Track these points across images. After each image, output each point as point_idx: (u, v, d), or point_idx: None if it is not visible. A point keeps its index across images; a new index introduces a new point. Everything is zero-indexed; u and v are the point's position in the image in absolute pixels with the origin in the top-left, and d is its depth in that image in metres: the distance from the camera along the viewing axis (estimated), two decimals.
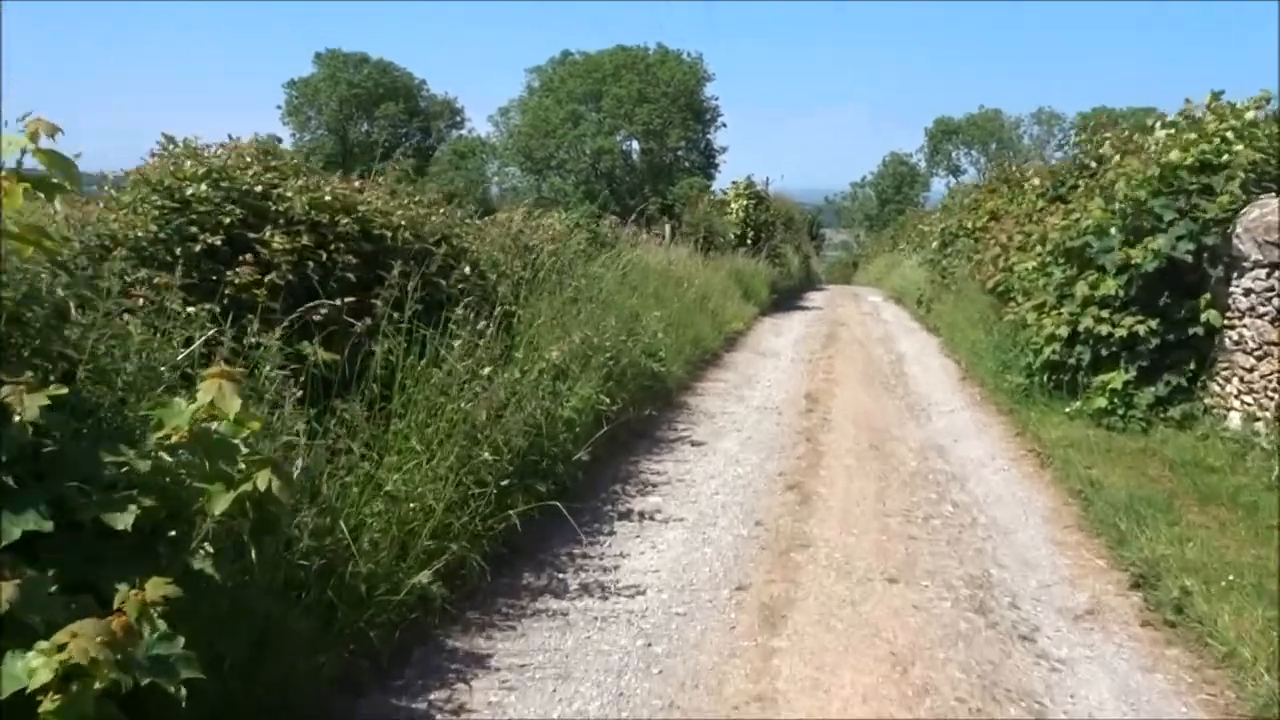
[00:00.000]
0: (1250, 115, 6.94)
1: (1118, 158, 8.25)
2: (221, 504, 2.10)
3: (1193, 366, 6.80)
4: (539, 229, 8.21)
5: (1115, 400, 6.91)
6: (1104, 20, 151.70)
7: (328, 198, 4.74)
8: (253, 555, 2.26)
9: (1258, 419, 6.04)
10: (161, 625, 1.98)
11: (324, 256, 4.51)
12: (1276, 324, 5.91)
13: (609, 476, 5.93)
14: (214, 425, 2.24)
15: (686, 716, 3.18)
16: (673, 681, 3.41)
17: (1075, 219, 7.96)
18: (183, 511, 2.16)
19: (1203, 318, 6.61)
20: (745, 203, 19.62)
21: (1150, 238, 6.84)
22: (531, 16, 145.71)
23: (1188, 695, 3.42)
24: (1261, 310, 6.08)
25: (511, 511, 4.22)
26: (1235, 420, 6.29)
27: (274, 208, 4.51)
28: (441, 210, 6.24)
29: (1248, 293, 6.25)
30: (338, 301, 3.94)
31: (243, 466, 2.20)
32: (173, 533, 2.16)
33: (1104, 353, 7.10)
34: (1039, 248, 8.63)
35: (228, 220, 4.25)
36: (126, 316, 3.13)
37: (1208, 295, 6.63)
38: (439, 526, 3.81)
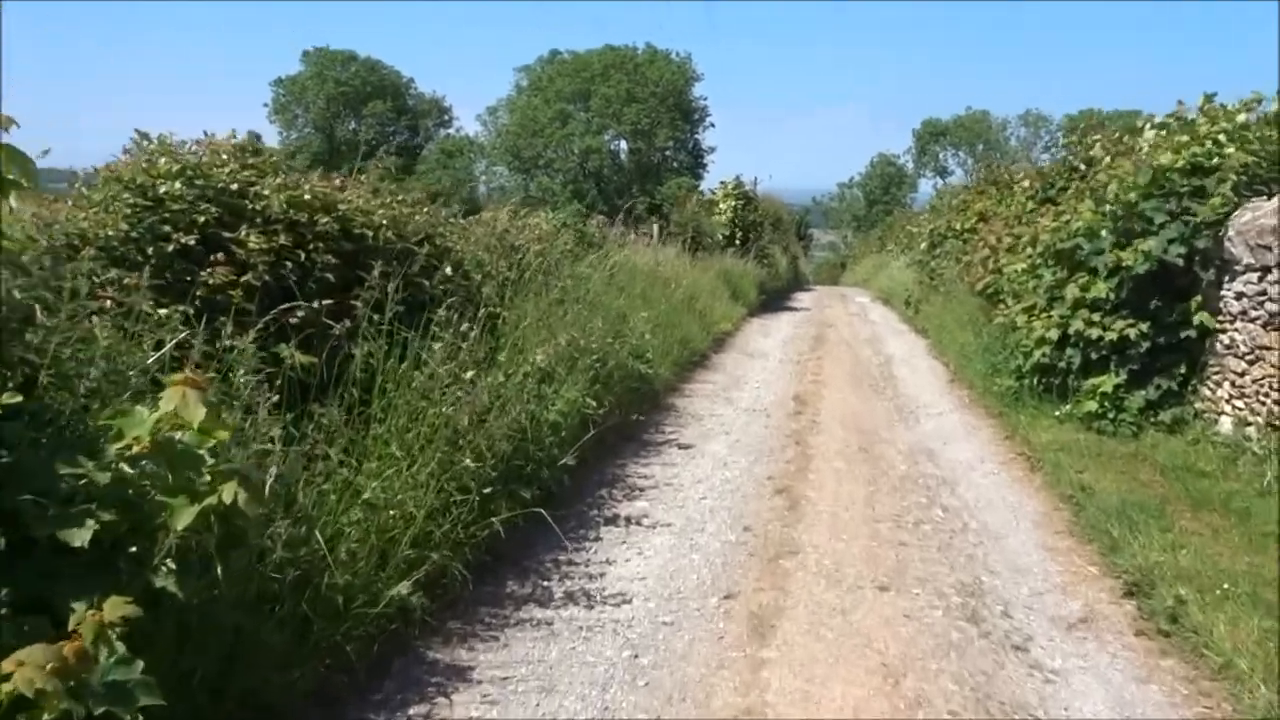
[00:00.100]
0: (1242, 118, 6.91)
1: (1108, 159, 8.22)
2: (185, 518, 1.99)
3: (1183, 370, 6.76)
4: (525, 229, 8.10)
5: (1106, 404, 6.87)
6: (1093, 22, 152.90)
7: (306, 196, 4.62)
8: (219, 571, 2.14)
9: (1249, 424, 6.00)
10: (120, 648, 1.87)
11: (302, 256, 4.39)
12: (1268, 328, 5.87)
13: (595, 481, 5.83)
14: (179, 435, 2.13)
15: None
16: (659, 694, 3.32)
17: (1066, 220, 7.92)
18: (144, 526, 2.05)
19: (1195, 320, 6.57)
20: (734, 203, 19.56)
21: (1140, 240, 6.81)
22: (521, 16, 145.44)
23: (1184, 708, 3.35)
24: (1254, 314, 6.04)
25: (495, 519, 4.12)
26: (1226, 425, 6.26)
27: (251, 206, 4.39)
28: (425, 209, 6.12)
29: (1239, 296, 6.21)
30: (315, 304, 3.82)
31: (208, 478, 2.09)
32: (134, 548, 2.05)
33: (1094, 356, 7.07)
34: (1029, 250, 8.59)
35: (202, 219, 4.12)
36: (95, 319, 3.02)
37: (1199, 298, 6.60)
38: (420, 535, 3.70)
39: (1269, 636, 3.57)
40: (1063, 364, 7.31)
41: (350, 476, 3.60)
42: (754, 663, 3.55)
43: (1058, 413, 7.20)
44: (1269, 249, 5.88)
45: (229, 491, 2.02)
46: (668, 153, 46.90)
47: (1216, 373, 6.50)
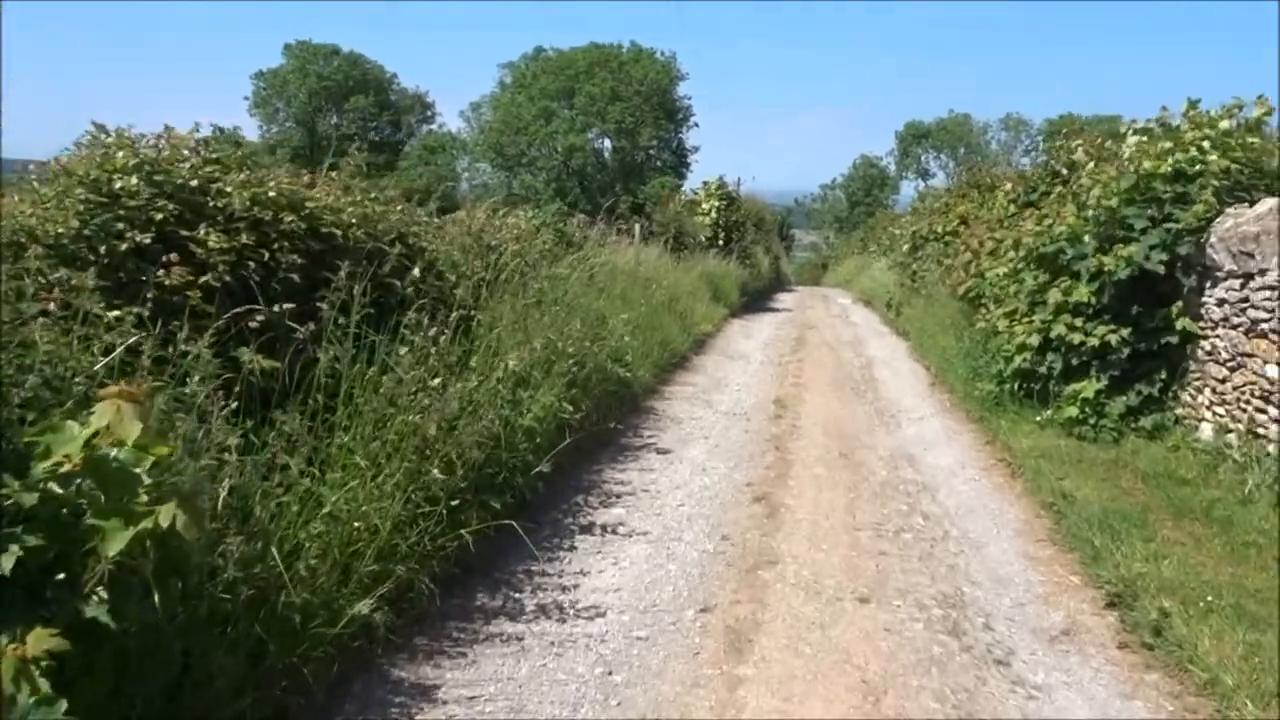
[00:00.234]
0: (1224, 124, 6.88)
1: (1091, 164, 8.18)
2: (117, 543, 1.85)
3: (1164, 376, 6.73)
4: (502, 228, 7.95)
5: (1086, 410, 6.82)
6: (1072, 26, 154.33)
7: (271, 193, 4.45)
8: (156, 599, 2.00)
9: (1230, 430, 5.96)
10: (43, 685, 1.73)
11: (266, 256, 4.22)
12: (1250, 335, 5.83)
13: (571, 487, 5.71)
14: (114, 452, 1.99)
15: None
16: (632, 714, 3.21)
17: (1048, 225, 7.87)
18: (74, 551, 1.91)
19: (1177, 326, 6.53)
20: (717, 203, 19.49)
21: (1122, 245, 6.76)
22: (506, 13, 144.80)
23: None
24: (1235, 321, 6.00)
25: (464, 531, 3.98)
26: (1207, 431, 6.22)
27: (212, 204, 4.22)
28: (399, 208, 5.97)
29: (1221, 303, 6.17)
30: (278, 306, 3.66)
31: (145, 499, 1.95)
32: (62, 575, 1.91)
33: (1075, 361, 7.02)
34: (1010, 254, 8.54)
35: (159, 216, 3.95)
36: (36, 322, 2.86)
37: (1180, 304, 6.56)
38: (385, 548, 3.56)
39: (1254, 651, 3.50)
40: (1044, 369, 7.26)
41: (312, 487, 3.46)
42: (730, 680, 3.44)
43: (1039, 418, 7.14)
44: (1251, 255, 5.84)
45: (166, 514, 1.88)
46: (651, 152, 46.81)
47: (1197, 379, 6.46)
